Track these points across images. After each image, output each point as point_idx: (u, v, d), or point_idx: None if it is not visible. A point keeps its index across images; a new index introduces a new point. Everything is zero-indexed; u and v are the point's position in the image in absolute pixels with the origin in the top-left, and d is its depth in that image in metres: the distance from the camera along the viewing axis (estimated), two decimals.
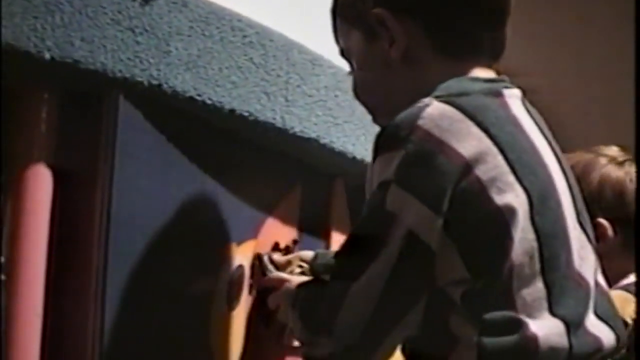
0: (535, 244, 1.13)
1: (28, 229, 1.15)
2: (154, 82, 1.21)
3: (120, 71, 1.17)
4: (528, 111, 1.22)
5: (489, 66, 1.24)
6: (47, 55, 1.11)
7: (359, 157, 1.61)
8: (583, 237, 1.21)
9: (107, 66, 1.16)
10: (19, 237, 1.15)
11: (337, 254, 1.19)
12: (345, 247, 1.18)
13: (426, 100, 1.14)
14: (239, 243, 1.40)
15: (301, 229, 1.55)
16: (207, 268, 1.34)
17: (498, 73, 1.26)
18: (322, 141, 1.51)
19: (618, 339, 1.20)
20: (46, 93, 1.17)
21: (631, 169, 1.84)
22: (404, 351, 1.23)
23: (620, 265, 1.77)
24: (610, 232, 1.77)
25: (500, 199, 1.11)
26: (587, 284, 1.19)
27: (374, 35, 1.22)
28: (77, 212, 1.18)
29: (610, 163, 1.79)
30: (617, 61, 3.25)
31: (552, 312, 1.13)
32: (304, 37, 1.52)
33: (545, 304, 1.13)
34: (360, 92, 1.29)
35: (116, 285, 1.17)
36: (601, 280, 1.25)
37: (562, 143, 1.30)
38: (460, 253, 1.11)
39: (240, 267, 1.40)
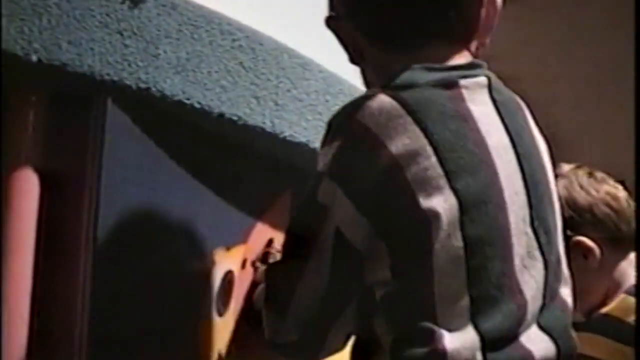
0: (462, 252, 1.08)
1: (14, 234, 1.14)
2: (143, 85, 1.20)
3: (108, 74, 1.16)
4: (494, 101, 1.17)
5: (456, 48, 1.18)
6: (34, 58, 1.09)
7: None
8: (533, 244, 1.15)
9: (95, 69, 1.15)
10: (5, 242, 1.14)
11: (282, 247, 1.19)
12: (286, 241, 1.18)
13: (372, 90, 1.13)
14: (228, 248, 1.39)
15: None
16: (196, 273, 1.33)
17: (475, 57, 1.21)
18: (312, 145, 1.49)
19: (559, 351, 1.15)
20: (33, 96, 1.16)
21: (577, 174, 1.82)
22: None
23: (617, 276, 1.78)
24: (593, 245, 1.77)
25: (425, 203, 1.07)
26: (523, 295, 1.12)
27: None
28: (64, 216, 1.16)
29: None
30: (611, 65, 3.25)
31: (475, 325, 1.09)
32: (294, 41, 1.52)
33: (467, 315, 1.08)
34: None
35: (103, 290, 1.16)
36: (565, 293, 1.20)
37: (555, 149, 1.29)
38: (389, 252, 1.09)
39: (230, 272, 1.39)
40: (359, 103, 1.11)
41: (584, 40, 3.33)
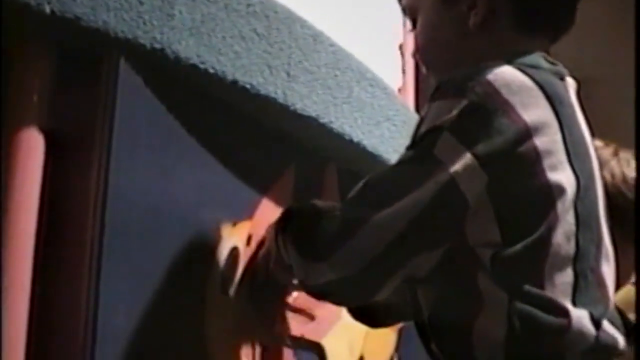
0: (574, 228, 1.10)
1: (17, 197, 1.07)
2: (157, 45, 1.13)
3: (122, 32, 1.10)
4: (580, 103, 1.21)
5: (550, 44, 1.24)
6: (47, 9, 1.03)
7: (355, 139, 1.54)
8: (609, 240, 1.19)
9: (109, 25, 1.08)
10: (7, 205, 1.07)
11: (364, 184, 1.13)
12: (373, 179, 1.13)
13: (498, 62, 1.12)
14: (234, 223, 1.33)
15: None
16: (203, 248, 1.26)
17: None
18: (322, 120, 1.44)
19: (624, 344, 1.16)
20: (42, 50, 1.09)
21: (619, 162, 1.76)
22: (417, 324, 1.18)
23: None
24: None
25: (552, 175, 1.09)
26: (606, 286, 1.16)
27: None
28: (71, 180, 1.10)
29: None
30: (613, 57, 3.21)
31: (574, 303, 1.10)
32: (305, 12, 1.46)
33: (570, 291, 1.10)
34: (425, 51, 1.27)
35: (110, 260, 1.09)
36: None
37: None
38: (497, 216, 1.08)
39: (235, 249, 1.32)
40: (489, 69, 1.11)
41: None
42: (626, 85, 3.03)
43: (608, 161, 1.71)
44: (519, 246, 1.08)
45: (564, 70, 1.21)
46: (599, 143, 1.76)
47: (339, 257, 1.09)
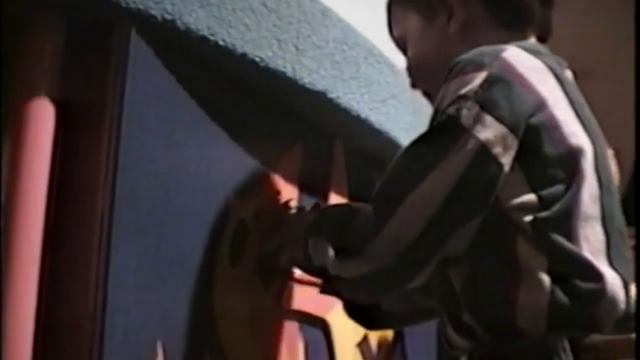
0: (598, 191, 1.15)
1: (27, 168, 1.07)
2: (168, 16, 1.13)
3: (133, 2, 1.09)
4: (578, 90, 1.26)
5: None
6: None
7: (362, 115, 1.54)
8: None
9: None
10: (17, 176, 1.06)
11: (393, 163, 1.15)
12: (403, 157, 1.14)
13: (506, 45, 1.17)
14: (242, 197, 1.33)
15: (300, 188, 1.48)
16: (211, 220, 1.26)
17: None
18: (330, 95, 1.44)
19: None
20: (53, 20, 1.08)
21: None
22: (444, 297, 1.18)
23: None
24: None
25: (573, 139, 1.14)
26: (629, 247, 1.19)
27: (432, 12, 1.28)
28: (82, 150, 1.09)
29: None
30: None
31: (610, 261, 1.13)
32: None
33: (604, 249, 1.13)
34: (417, 73, 1.32)
35: (120, 232, 1.09)
36: None
37: None
38: (528, 180, 1.12)
39: (243, 221, 1.32)
40: (501, 47, 1.16)
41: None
42: (626, 79, 3.04)
43: None
44: (556, 207, 1.11)
45: (564, 62, 1.26)
46: None
47: (373, 249, 1.10)
